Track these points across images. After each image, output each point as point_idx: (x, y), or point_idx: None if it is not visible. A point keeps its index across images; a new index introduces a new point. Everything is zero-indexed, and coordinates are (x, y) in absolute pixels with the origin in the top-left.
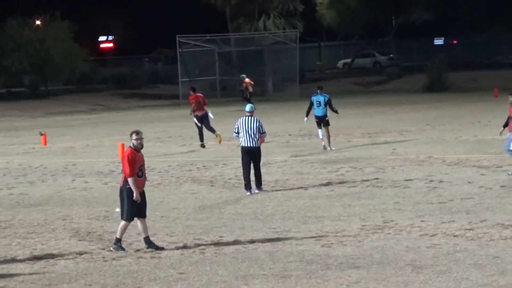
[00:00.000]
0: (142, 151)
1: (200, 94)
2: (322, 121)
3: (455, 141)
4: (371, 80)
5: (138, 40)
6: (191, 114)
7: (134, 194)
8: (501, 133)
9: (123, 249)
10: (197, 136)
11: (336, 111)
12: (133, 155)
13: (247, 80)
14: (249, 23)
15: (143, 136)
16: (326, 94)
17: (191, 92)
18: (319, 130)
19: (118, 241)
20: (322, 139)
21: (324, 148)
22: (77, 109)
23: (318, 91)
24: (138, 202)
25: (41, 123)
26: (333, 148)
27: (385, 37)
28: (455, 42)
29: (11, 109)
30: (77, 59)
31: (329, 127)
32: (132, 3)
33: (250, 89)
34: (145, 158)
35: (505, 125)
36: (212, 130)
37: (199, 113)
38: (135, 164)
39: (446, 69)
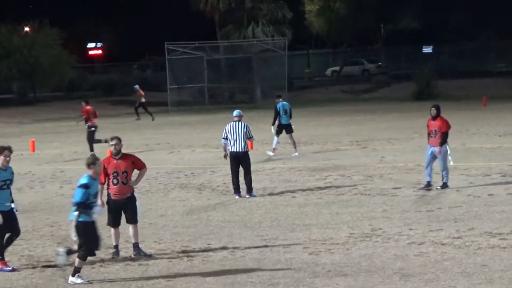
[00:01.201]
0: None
1: (91, 107)
2: (287, 129)
3: None
4: (360, 88)
5: (126, 47)
6: (78, 123)
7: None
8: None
9: (115, 254)
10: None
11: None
12: (104, 161)
13: (140, 91)
14: (237, 31)
15: (117, 142)
16: (286, 102)
17: (84, 104)
18: (276, 138)
19: (114, 247)
20: (274, 148)
21: (271, 155)
22: (65, 116)
23: (280, 99)
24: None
25: (29, 129)
26: (297, 154)
27: (373, 45)
28: None
29: None
30: (66, 66)
31: (293, 134)
32: (121, 10)
33: (142, 99)
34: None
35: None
36: (98, 141)
37: (94, 124)
38: (106, 170)
39: (435, 77)
